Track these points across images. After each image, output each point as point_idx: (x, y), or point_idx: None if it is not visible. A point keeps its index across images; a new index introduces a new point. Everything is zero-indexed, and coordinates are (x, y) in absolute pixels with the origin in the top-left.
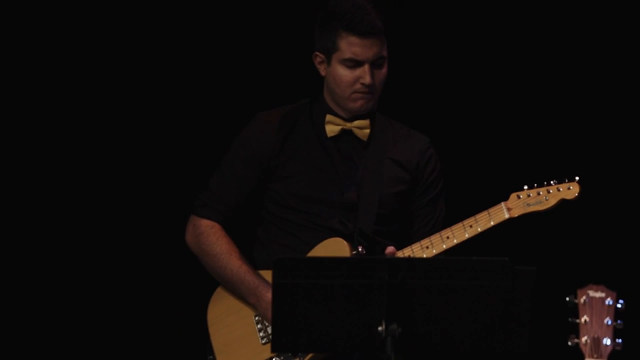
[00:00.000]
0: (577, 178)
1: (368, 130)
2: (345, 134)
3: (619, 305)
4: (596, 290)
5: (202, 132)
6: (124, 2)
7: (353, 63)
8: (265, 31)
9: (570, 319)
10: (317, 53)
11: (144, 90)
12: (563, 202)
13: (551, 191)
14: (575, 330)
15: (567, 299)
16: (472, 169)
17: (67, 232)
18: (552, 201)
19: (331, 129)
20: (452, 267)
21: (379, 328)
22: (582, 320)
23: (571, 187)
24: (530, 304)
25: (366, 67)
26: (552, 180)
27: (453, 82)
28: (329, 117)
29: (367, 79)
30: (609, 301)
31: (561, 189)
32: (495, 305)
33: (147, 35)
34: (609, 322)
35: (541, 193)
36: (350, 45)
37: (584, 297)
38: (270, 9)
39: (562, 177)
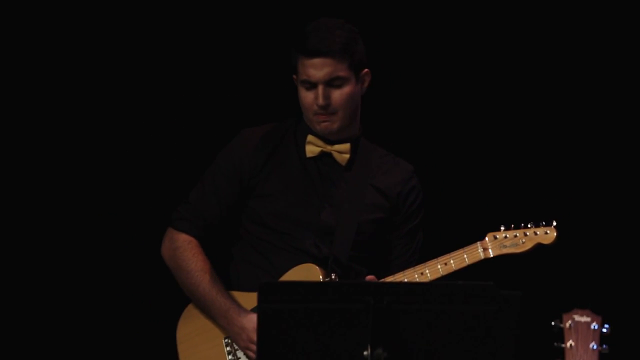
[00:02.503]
0: (554, 223)
1: (347, 156)
2: (326, 155)
3: (604, 330)
4: (582, 315)
5: (187, 143)
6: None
7: (309, 85)
8: (254, 48)
9: (555, 344)
10: (294, 76)
11: (135, 98)
12: (539, 246)
13: (528, 234)
14: (561, 355)
15: (553, 323)
16: (451, 204)
17: (58, 232)
18: (528, 245)
19: (311, 150)
20: (438, 291)
21: (365, 353)
22: (568, 344)
23: (548, 232)
24: (516, 328)
25: (320, 88)
26: (530, 222)
27: (441, 115)
28: (310, 138)
29: (320, 100)
30: (594, 325)
31: (538, 233)
32: (480, 329)
33: (136, 45)
34: (595, 347)
35: (518, 235)
36: (303, 67)
37: (570, 322)
38: (260, 25)
39: (541, 218)
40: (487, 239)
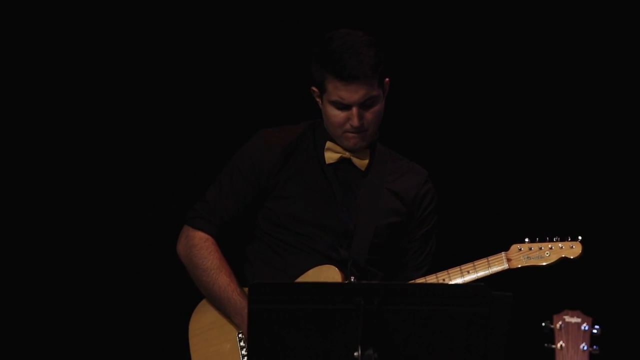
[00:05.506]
0: (580, 238)
1: (366, 161)
2: (345, 161)
3: (594, 331)
4: (572, 316)
5: (203, 141)
6: (121, 10)
7: (341, 105)
8: (274, 46)
9: (546, 345)
10: (313, 88)
11: (146, 95)
12: (564, 260)
13: (553, 247)
14: (551, 356)
15: (543, 324)
16: (477, 214)
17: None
18: (553, 258)
19: (330, 156)
20: (429, 292)
21: (355, 354)
22: (558, 345)
23: (574, 247)
24: (507, 329)
25: (354, 110)
26: (555, 236)
27: (472, 126)
28: (328, 144)
29: (355, 122)
30: (584, 326)
31: (563, 247)
32: (471, 330)
33: (149, 43)
34: (585, 348)
35: (542, 248)
36: (336, 89)
37: (560, 323)
38: (281, 24)
39: (565, 233)
40: (511, 249)
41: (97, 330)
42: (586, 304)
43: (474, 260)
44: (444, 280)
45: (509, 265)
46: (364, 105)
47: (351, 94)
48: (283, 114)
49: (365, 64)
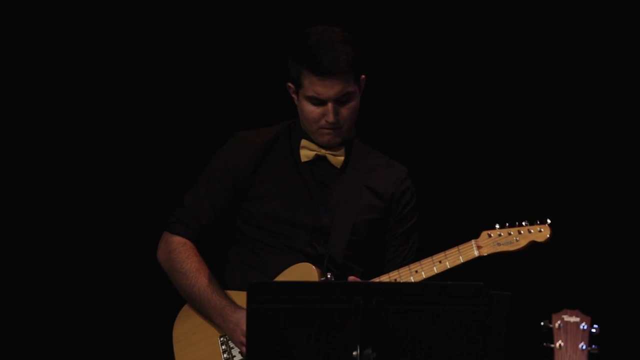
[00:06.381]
0: (548, 221)
1: (342, 158)
2: (320, 159)
3: (593, 330)
4: (571, 315)
5: (182, 147)
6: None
7: (316, 101)
8: (245, 51)
9: (545, 344)
10: (289, 84)
11: (134, 101)
12: (533, 244)
13: (522, 232)
14: (550, 355)
15: (542, 323)
16: (445, 203)
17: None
18: (522, 242)
19: (305, 154)
20: (428, 291)
21: (354, 353)
22: (557, 344)
23: (542, 230)
24: (505, 328)
25: (329, 105)
26: (524, 220)
27: (435, 114)
28: (304, 142)
29: (330, 117)
30: (583, 326)
31: (532, 231)
32: (470, 330)
33: (133, 47)
34: (584, 347)
35: (512, 233)
36: (311, 85)
37: (559, 322)
38: (254, 29)
39: (535, 217)
40: (481, 236)
41: (87, 335)
42: (585, 303)
43: (445, 249)
44: (416, 271)
45: (479, 253)
46: (339, 101)
47: (327, 89)
48: (262, 117)
49: (341, 60)
